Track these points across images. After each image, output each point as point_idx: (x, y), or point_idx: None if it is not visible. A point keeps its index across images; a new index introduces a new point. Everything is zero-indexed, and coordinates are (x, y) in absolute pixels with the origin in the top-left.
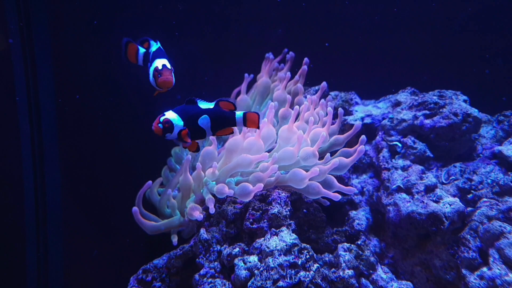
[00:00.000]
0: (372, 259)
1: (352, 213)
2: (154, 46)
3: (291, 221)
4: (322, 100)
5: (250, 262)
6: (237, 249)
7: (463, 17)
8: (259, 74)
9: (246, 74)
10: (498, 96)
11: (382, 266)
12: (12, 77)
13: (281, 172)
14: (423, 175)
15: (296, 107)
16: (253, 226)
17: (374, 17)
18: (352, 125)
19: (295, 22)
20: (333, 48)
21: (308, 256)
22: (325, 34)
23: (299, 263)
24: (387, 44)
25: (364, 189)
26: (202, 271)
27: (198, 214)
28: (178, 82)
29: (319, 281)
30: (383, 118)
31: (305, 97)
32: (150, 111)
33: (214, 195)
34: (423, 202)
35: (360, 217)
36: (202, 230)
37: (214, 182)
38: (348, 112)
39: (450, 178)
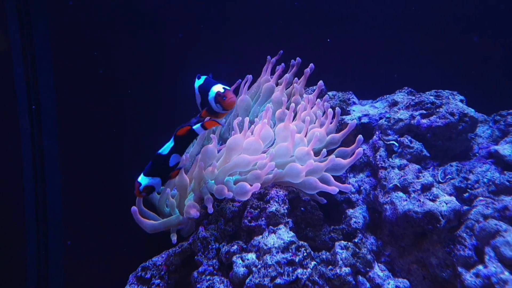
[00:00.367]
0: (369, 257)
1: (349, 211)
2: (197, 81)
3: (288, 219)
4: (319, 99)
5: (248, 259)
6: (235, 246)
7: (461, 17)
8: (263, 77)
9: (249, 76)
10: (494, 96)
11: (379, 264)
12: (13, 76)
13: (278, 170)
14: (420, 174)
15: (292, 105)
16: (251, 224)
17: (373, 17)
18: (353, 127)
19: (293, 22)
20: (331, 48)
21: (305, 254)
22: (324, 34)
23: (297, 260)
24: (385, 44)
25: (361, 187)
26: (200, 269)
27: (195, 212)
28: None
29: (316, 278)
30: (380, 118)
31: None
32: (151, 110)
33: (212, 195)
34: (420, 200)
35: (357, 215)
36: (201, 228)
37: (213, 181)
38: (345, 112)
39: (447, 177)
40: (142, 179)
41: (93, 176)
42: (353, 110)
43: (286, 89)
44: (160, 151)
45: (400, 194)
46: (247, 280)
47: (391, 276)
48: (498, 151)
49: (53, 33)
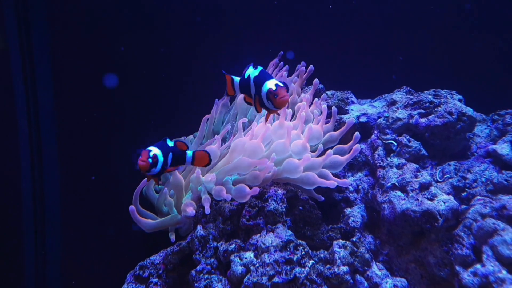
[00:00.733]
0: (367, 256)
1: (347, 210)
2: (252, 70)
3: (287, 218)
4: (316, 99)
5: (246, 258)
6: (234, 245)
7: (459, 16)
8: None
9: None
10: (492, 95)
11: (377, 263)
12: (11, 76)
13: (276, 167)
14: (418, 173)
15: (290, 110)
16: (250, 222)
17: (372, 16)
18: (350, 125)
19: (292, 21)
20: (330, 47)
21: (303, 253)
22: (323, 33)
23: (295, 259)
24: (383, 43)
25: (360, 187)
26: (198, 267)
27: (191, 210)
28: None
29: (314, 277)
30: (379, 117)
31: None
32: (149, 110)
33: (210, 194)
34: (418, 199)
35: (355, 214)
36: (199, 227)
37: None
38: (344, 111)
39: (445, 176)
40: (153, 147)
41: (91, 176)
42: (352, 109)
43: None
44: (166, 141)
45: (398, 193)
46: (245, 279)
47: (389, 275)
48: (496, 151)
49: (51, 33)
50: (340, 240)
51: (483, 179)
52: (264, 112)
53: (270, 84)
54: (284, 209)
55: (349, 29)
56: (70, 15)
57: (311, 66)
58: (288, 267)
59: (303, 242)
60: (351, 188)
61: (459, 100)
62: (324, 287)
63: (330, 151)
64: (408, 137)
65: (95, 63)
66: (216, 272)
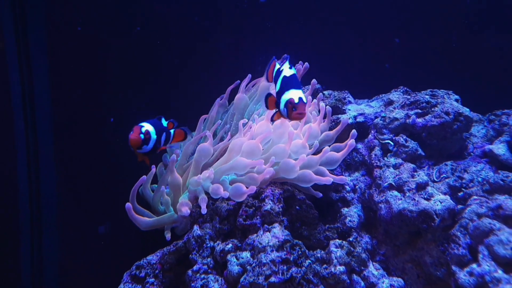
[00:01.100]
0: (363, 255)
1: (344, 210)
2: (287, 68)
3: (283, 218)
4: (315, 100)
5: (242, 258)
6: (230, 245)
7: (457, 16)
8: (262, 77)
9: (249, 75)
10: (489, 95)
11: (374, 263)
12: (7, 75)
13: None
14: (415, 173)
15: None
16: (246, 222)
17: (370, 16)
18: (345, 123)
19: (291, 21)
20: (328, 47)
21: (300, 252)
22: (321, 33)
23: (291, 259)
24: (381, 43)
25: (356, 186)
26: (195, 267)
27: (186, 210)
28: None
29: (310, 277)
30: (376, 117)
31: None
32: (148, 109)
33: (207, 193)
34: (414, 199)
35: (352, 214)
36: (196, 227)
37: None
38: (341, 111)
39: (441, 176)
40: (145, 123)
41: (88, 175)
42: (349, 109)
43: None
44: (161, 120)
45: (395, 193)
46: (242, 279)
47: (385, 275)
48: (492, 151)
49: (49, 31)
50: (337, 240)
51: (479, 179)
52: (263, 112)
53: (295, 94)
54: (281, 209)
55: (346, 28)
56: (68, 14)
57: (306, 63)
58: (285, 267)
59: (300, 242)
60: (348, 187)
61: (456, 100)
62: (321, 287)
63: (326, 147)
64: (405, 137)
65: (92, 62)
66: (212, 272)
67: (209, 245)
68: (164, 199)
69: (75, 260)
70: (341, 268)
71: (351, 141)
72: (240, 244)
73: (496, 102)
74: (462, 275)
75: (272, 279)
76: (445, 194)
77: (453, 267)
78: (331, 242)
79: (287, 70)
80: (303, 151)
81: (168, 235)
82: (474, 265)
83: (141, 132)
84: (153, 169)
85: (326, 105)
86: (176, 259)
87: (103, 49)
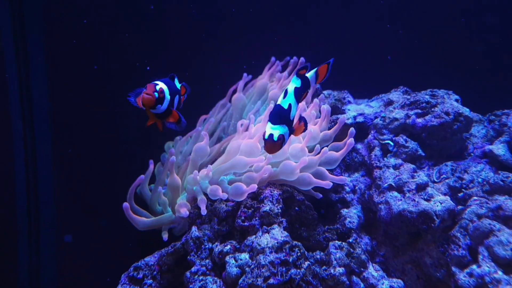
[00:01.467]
0: (363, 257)
1: (344, 211)
2: (291, 85)
3: (282, 219)
4: (316, 100)
5: (241, 259)
6: (229, 246)
7: (456, 15)
8: (260, 76)
9: (245, 74)
10: (489, 96)
11: (373, 264)
12: (5, 74)
13: (273, 169)
14: (415, 174)
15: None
16: (245, 223)
17: (369, 16)
18: (345, 124)
19: (291, 21)
20: (327, 47)
21: (299, 254)
22: (321, 33)
23: (290, 260)
24: (380, 43)
25: (356, 187)
26: (193, 269)
27: (184, 211)
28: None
29: (310, 278)
30: (376, 117)
31: None
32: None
33: (206, 194)
34: (414, 200)
35: (351, 215)
36: (194, 228)
37: (207, 181)
38: (340, 111)
39: (442, 176)
40: (160, 82)
41: (86, 174)
42: (348, 109)
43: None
44: (175, 80)
45: (395, 193)
46: (240, 280)
47: (385, 276)
48: (492, 151)
49: (46, 30)
50: (337, 241)
51: (479, 179)
52: (262, 111)
53: (267, 130)
54: (280, 210)
55: (346, 28)
56: (66, 14)
57: (302, 58)
58: (284, 269)
59: (299, 243)
60: (347, 188)
61: (456, 100)
62: None
63: (325, 148)
64: (405, 137)
65: (90, 61)
66: (211, 273)
67: (207, 246)
68: (162, 199)
69: (73, 260)
70: (341, 269)
71: (350, 140)
72: (239, 246)
73: (496, 102)
74: (462, 276)
75: (271, 280)
76: (445, 194)
77: (453, 268)
78: (331, 243)
79: (289, 87)
80: (301, 154)
81: (165, 236)
82: (474, 266)
83: (156, 90)
84: (151, 168)
85: (324, 104)
86: (174, 261)
87: (101, 48)
